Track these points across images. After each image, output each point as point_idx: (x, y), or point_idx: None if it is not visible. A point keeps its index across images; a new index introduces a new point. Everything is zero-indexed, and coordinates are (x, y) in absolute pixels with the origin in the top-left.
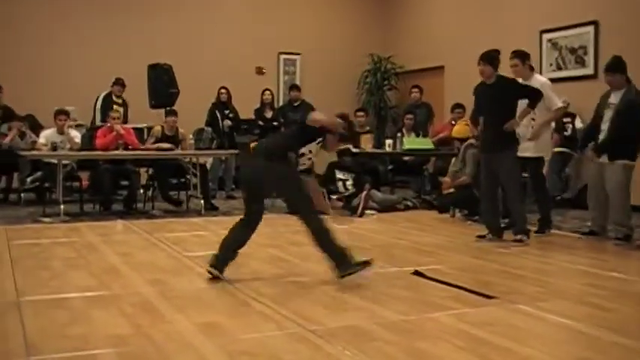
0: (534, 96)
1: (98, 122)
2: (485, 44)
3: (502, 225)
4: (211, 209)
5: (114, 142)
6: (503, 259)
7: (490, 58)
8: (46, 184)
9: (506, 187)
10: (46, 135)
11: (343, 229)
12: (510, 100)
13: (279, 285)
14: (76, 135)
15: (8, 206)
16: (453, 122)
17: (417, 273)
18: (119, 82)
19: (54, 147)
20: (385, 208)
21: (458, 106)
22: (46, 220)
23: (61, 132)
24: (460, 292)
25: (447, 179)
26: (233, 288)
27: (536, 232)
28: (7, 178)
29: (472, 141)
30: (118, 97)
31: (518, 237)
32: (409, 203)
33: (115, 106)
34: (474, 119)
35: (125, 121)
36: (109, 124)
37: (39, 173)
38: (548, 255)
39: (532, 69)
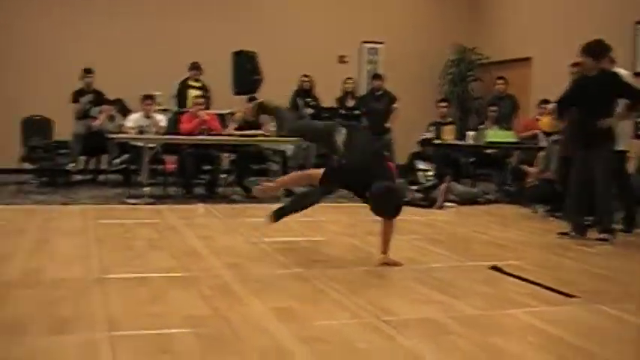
0: (637, 98)
1: (174, 107)
2: (575, 35)
3: (586, 223)
4: (291, 196)
5: (198, 127)
6: (586, 257)
7: (590, 49)
8: (132, 167)
9: (599, 185)
10: (133, 119)
11: (421, 221)
12: (609, 97)
13: (355, 274)
14: (162, 119)
15: (96, 187)
16: (538, 117)
17: (495, 268)
18: (195, 67)
19: (140, 130)
20: (465, 201)
21: (545, 102)
22: (131, 201)
23: (147, 116)
24: (539, 289)
25: (532, 169)
26: (309, 275)
27: (622, 230)
28: (96, 160)
29: (558, 137)
30: (196, 80)
31: (603, 235)
32: (490, 197)
33: (192, 91)
34: (560, 107)
35: (207, 107)
36: (192, 110)
37: (126, 156)
38: (634, 255)
39: (613, 61)
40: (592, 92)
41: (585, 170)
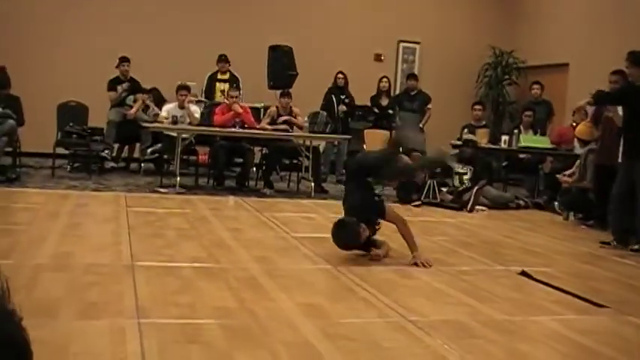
0: None
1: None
2: (616, 41)
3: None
4: (321, 192)
5: (231, 119)
6: (618, 267)
7: (637, 58)
8: (165, 156)
9: (638, 196)
10: (168, 109)
11: (451, 223)
12: None
13: (382, 273)
14: (196, 110)
15: (129, 174)
16: (574, 124)
17: (524, 273)
18: (221, 59)
19: (174, 121)
20: (496, 205)
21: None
22: (163, 190)
23: (181, 106)
24: (568, 297)
25: (566, 178)
26: (337, 272)
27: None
28: (129, 148)
29: (593, 146)
30: (224, 73)
31: (637, 247)
32: (521, 202)
33: (219, 84)
34: (596, 102)
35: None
36: (227, 102)
37: (159, 145)
38: None
39: None
40: (638, 102)
41: (628, 180)
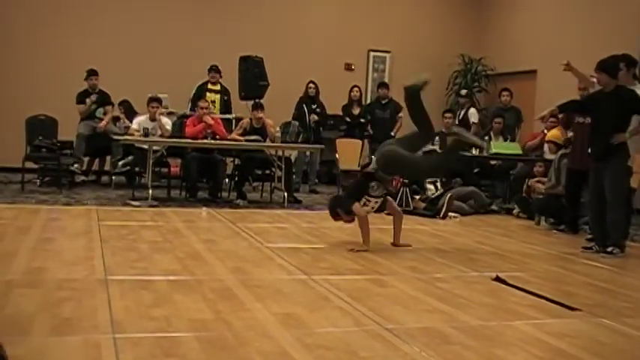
0: None
1: (188, 111)
2: (582, 49)
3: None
4: (294, 202)
5: (202, 131)
6: (590, 270)
7: (605, 66)
8: (137, 169)
9: (609, 197)
10: (139, 121)
11: (425, 230)
12: (625, 113)
13: (358, 281)
14: (167, 122)
15: (100, 188)
16: (545, 131)
17: (498, 279)
18: (213, 69)
19: (145, 133)
20: (471, 211)
21: (551, 116)
22: (135, 203)
23: (152, 119)
24: (541, 301)
25: (538, 185)
26: (312, 281)
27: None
28: (100, 161)
29: (565, 150)
30: (214, 84)
31: (610, 249)
32: (495, 207)
33: (210, 95)
34: (562, 110)
35: (227, 108)
36: (197, 114)
37: (130, 158)
38: (639, 269)
39: (635, 77)
40: (608, 107)
41: (599, 184)
